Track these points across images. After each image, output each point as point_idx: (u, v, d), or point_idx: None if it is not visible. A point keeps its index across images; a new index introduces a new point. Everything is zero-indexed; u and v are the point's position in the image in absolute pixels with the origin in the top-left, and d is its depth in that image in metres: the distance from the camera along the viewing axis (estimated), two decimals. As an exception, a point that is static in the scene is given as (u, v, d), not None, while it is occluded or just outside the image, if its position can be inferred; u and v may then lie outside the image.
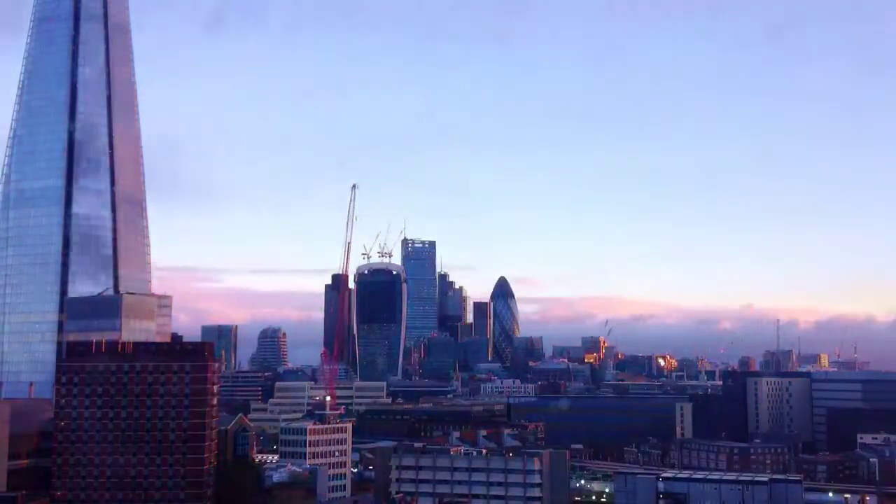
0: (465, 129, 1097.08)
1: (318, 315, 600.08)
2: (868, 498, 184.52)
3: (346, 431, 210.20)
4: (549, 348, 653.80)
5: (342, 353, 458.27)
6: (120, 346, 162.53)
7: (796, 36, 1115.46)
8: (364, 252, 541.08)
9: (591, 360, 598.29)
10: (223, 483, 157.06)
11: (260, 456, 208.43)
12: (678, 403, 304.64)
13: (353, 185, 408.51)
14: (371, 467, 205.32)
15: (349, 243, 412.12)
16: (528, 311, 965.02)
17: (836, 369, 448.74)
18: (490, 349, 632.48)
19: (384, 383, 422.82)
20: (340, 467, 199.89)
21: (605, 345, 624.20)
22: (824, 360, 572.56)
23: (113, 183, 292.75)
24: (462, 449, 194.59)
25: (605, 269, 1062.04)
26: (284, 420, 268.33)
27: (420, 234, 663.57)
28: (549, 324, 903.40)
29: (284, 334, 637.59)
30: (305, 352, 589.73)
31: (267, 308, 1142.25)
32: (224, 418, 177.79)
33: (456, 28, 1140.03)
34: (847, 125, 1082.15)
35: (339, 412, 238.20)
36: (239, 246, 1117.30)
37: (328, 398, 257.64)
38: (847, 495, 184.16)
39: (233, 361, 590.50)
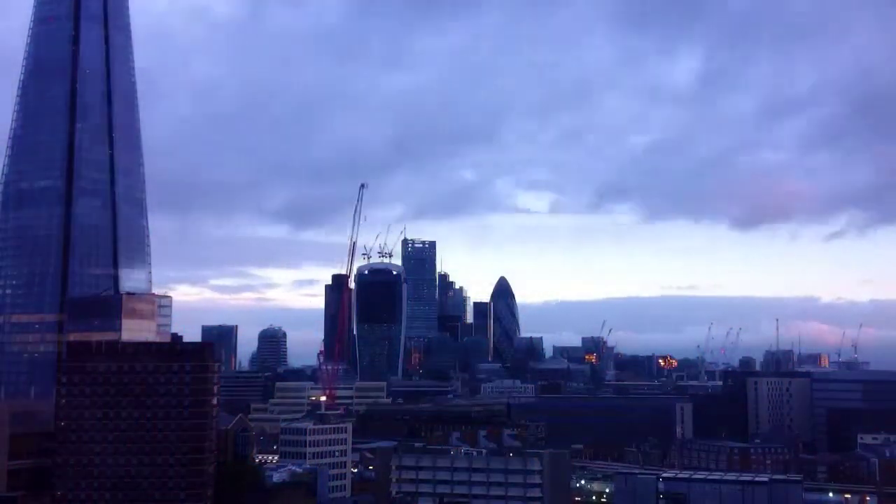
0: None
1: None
2: (868, 498, 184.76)
3: (346, 431, 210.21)
4: (550, 348, 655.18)
5: (342, 354, 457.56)
6: (120, 346, 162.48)
7: None
8: (364, 252, 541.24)
9: (591, 360, 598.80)
10: (223, 483, 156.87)
11: (260, 456, 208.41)
12: (678, 403, 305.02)
13: (362, 185, 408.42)
14: (371, 467, 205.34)
15: (354, 243, 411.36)
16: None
17: (836, 369, 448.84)
18: (490, 349, 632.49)
19: (384, 383, 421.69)
20: (340, 467, 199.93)
21: (606, 344, 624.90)
22: (824, 360, 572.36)
23: (113, 183, 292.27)
24: (462, 449, 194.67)
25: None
26: (284, 420, 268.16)
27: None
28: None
29: (285, 334, 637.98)
30: (305, 352, 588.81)
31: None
32: (224, 418, 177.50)
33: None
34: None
35: (338, 412, 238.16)
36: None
37: (323, 398, 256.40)
38: (847, 495, 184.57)
39: (233, 361, 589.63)
